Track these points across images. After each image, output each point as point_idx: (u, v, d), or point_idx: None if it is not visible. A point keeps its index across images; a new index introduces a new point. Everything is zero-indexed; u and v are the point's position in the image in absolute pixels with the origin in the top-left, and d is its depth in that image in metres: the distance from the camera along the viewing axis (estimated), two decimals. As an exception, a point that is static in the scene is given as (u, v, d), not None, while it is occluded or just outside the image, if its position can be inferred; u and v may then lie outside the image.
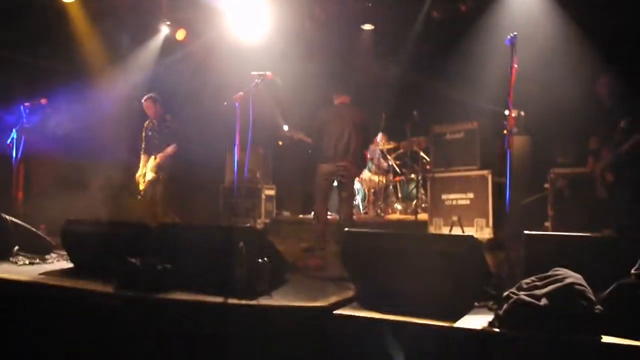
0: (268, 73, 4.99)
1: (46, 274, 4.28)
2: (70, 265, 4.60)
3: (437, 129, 6.86)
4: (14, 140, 6.19)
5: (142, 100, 6.66)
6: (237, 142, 4.83)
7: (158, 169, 6.52)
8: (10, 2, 7.05)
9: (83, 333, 3.55)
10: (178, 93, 7.97)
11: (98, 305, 3.47)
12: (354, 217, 7.79)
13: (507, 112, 3.92)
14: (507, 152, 3.78)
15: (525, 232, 3.05)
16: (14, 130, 6.19)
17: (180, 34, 8.59)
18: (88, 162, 7.44)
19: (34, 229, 5.21)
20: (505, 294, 2.71)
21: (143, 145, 6.71)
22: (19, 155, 6.23)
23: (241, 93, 4.86)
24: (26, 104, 6.28)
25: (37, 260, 4.81)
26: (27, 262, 4.75)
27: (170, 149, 6.50)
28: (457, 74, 7.54)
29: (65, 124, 7.39)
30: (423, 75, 8.07)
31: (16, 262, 4.71)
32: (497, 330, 2.59)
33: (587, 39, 6.22)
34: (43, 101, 6.37)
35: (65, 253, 4.81)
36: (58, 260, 4.92)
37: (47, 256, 5.01)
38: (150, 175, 6.54)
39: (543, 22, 6.50)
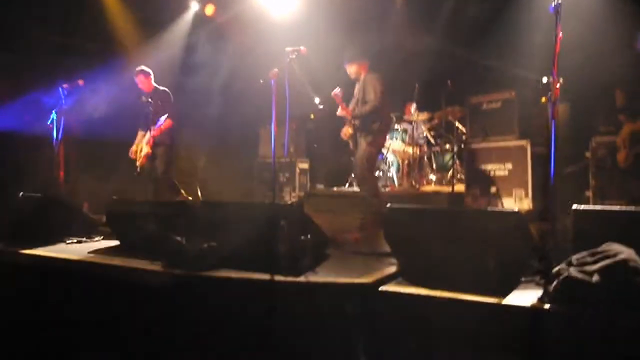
0: (302, 48, 4.91)
1: (95, 252, 4.42)
2: (116, 242, 4.73)
3: (474, 99, 6.75)
4: (54, 122, 6.31)
5: (134, 75, 6.60)
6: (273, 118, 4.82)
7: (153, 144, 6.40)
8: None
9: (133, 310, 3.68)
10: (209, 69, 7.98)
11: (148, 282, 3.57)
12: (388, 189, 7.85)
13: (545, 80, 3.79)
14: (552, 122, 3.67)
15: (574, 206, 2.99)
16: (53, 111, 6.31)
17: (210, 9, 8.58)
18: (122, 142, 7.53)
19: (79, 208, 5.36)
20: (555, 269, 2.68)
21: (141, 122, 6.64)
22: (59, 136, 6.35)
23: (276, 70, 4.81)
24: (64, 85, 6.38)
25: (85, 239, 4.96)
26: (74, 240, 4.90)
27: (164, 123, 6.30)
28: (491, 43, 7.33)
29: (101, 104, 7.49)
30: (456, 44, 7.87)
31: (65, 241, 4.87)
32: (547, 306, 2.57)
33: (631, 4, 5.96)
34: (80, 82, 6.46)
35: (109, 231, 4.95)
36: (104, 239, 5.05)
37: (93, 234, 5.16)
38: (145, 150, 6.41)
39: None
